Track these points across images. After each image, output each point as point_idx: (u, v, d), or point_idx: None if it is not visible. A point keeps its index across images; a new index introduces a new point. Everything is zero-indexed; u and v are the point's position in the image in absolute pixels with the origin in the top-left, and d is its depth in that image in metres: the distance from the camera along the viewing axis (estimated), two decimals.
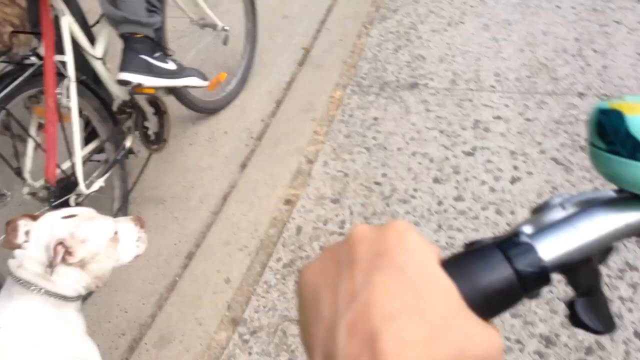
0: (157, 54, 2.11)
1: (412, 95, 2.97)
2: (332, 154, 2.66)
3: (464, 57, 3.23)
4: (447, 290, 0.36)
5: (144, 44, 2.06)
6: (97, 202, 2.02)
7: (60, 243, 1.30)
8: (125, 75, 2.01)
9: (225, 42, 2.71)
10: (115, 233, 1.42)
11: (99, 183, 2.02)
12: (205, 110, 2.83)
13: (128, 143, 2.19)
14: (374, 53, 3.32)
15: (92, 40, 2.05)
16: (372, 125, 2.80)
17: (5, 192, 1.85)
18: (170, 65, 2.16)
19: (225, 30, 2.68)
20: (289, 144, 2.73)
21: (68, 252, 1.31)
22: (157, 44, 2.11)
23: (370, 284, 0.35)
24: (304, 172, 2.59)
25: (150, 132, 2.31)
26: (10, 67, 1.72)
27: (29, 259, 1.31)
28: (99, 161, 2.22)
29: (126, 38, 2.04)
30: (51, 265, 1.28)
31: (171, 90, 2.33)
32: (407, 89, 3.02)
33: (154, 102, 2.33)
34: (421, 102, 2.92)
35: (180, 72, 2.21)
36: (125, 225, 1.47)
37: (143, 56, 2.05)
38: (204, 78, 2.36)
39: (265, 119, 2.92)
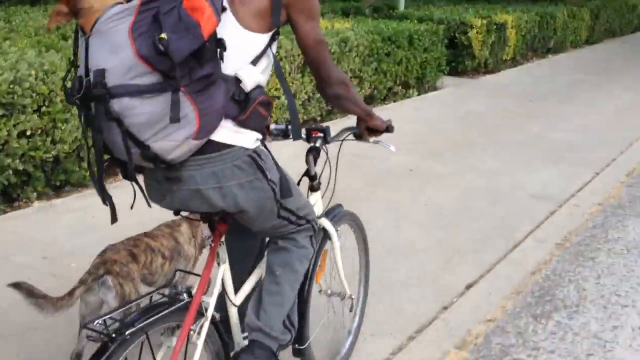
0: None
1: None
2: None
3: None
4: None
5: (264, 352, 2.10)
6: None
7: None
8: None
9: (351, 309, 2.75)
10: None
11: None
12: None
13: None
14: None
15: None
16: None
17: None
18: None
19: (352, 298, 2.69)
20: None
21: None
22: (275, 355, 2.17)
23: None
24: None
25: None
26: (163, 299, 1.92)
27: None
28: None
29: (251, 341, 2.11)
30: None
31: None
32: None
33: None
34: None
35: None
36: None
37: None
38: None
39: None
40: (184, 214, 2.00)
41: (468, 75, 10.30)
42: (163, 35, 1.50)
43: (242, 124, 1.76)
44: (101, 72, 1.56)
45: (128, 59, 1.55)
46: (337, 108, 2.26)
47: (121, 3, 1.62)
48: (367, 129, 2.30)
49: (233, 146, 1.76)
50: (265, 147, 1.89)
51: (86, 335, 1.84)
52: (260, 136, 1.84)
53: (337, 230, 2.52)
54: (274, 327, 2.11)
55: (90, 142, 1.71)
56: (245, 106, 1.74)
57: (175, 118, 1.56)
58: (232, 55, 1.69)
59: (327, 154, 2.39)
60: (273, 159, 1.90)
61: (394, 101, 8.21)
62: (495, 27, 10.28)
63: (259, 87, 1.80)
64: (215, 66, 1.64)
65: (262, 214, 1.93)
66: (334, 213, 2.56)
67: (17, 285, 2.35)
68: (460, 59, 10.02)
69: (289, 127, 2.33)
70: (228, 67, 1.70)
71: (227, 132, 1.75)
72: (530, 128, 7.23)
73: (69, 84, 1.67)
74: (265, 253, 2.21)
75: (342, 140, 2.44)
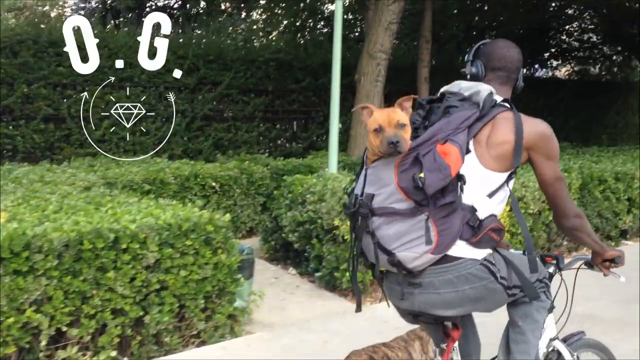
0: None
1: None
2: None
3: None
4: None
5: None
6: None
7: None
8: None
9: None
10: None
11: None
12: None
13: None
14: None
15: None
16: None
17: None
18: None
19: None
20: None
21: None
22: None
23: None
24: None
25: None
26: None
27: None
28: None
29: None
30: None
31: None
32: None
33: None
34: None
35: None
36: None
37: None
38: None
39: None
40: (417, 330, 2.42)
41: None
42: (422, 175, 1.95)
43: (474, 245, 2.09)
44: (371, 197, 2.07)
45: (391, 188, 2.02)
46: (572, 239, 2.52)
47: None
48: (602, 261, 2.44)
49: (465, 258, 2.09)
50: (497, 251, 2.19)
51: None
52: (490, 251, 2.15)
53: (573, 356, 2.62)
54: None
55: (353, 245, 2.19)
56: (478, 231, 2.08)
57: (429, 241, 1.99)
58: (471, 188, 2.07)
59: (562, 279, 2.60)
60: (503, 256, 2.19)
61: None
62: None
63: (492, 215, 2.13)
64: (456, 196, 2.02)
65: (494, 304, 2.26)
66: (574, 339, 2.69)
67: None
68: None
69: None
70: (466, 197, 2.07)
71: (460, 249, 2.08)
72: None
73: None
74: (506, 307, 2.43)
75: (576, 269, 2.61)
